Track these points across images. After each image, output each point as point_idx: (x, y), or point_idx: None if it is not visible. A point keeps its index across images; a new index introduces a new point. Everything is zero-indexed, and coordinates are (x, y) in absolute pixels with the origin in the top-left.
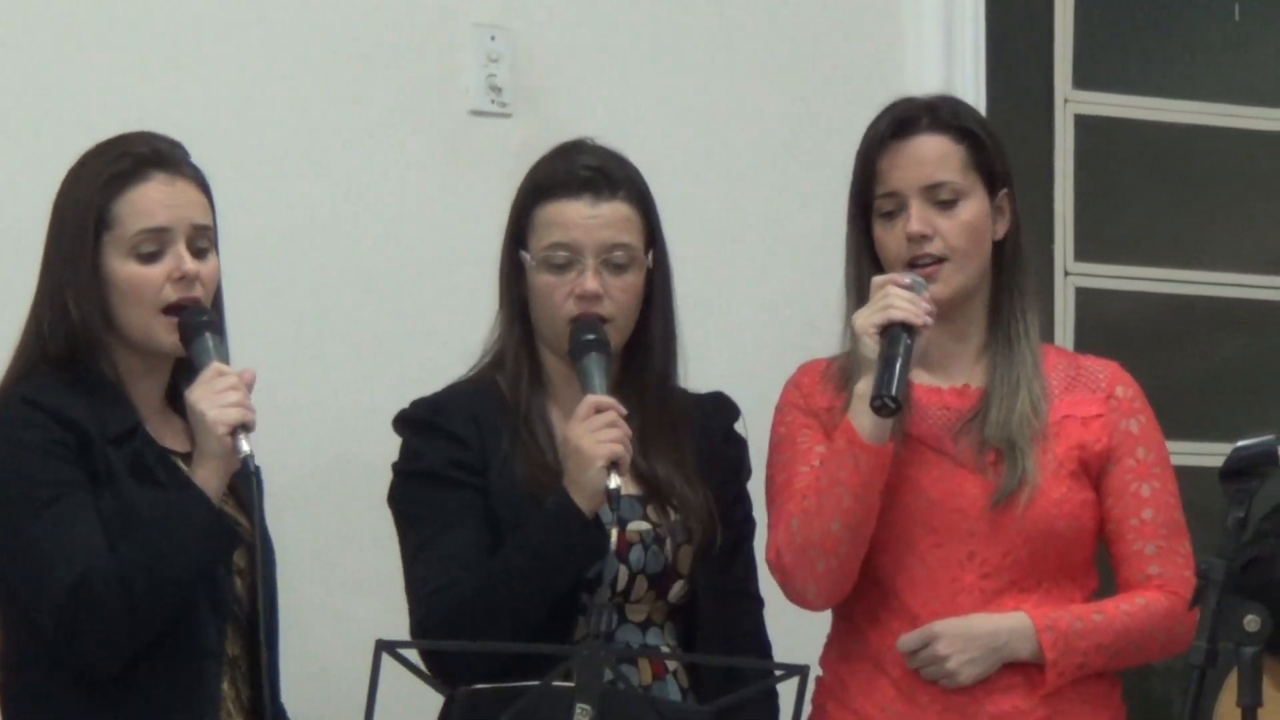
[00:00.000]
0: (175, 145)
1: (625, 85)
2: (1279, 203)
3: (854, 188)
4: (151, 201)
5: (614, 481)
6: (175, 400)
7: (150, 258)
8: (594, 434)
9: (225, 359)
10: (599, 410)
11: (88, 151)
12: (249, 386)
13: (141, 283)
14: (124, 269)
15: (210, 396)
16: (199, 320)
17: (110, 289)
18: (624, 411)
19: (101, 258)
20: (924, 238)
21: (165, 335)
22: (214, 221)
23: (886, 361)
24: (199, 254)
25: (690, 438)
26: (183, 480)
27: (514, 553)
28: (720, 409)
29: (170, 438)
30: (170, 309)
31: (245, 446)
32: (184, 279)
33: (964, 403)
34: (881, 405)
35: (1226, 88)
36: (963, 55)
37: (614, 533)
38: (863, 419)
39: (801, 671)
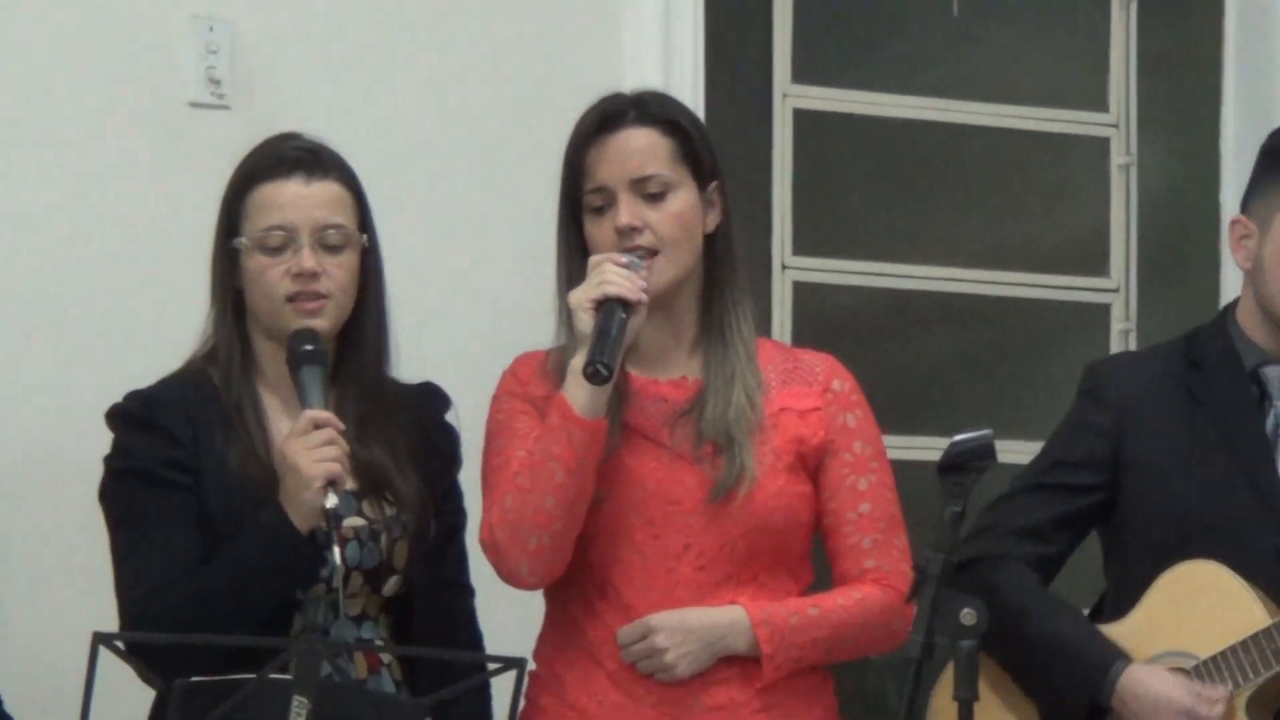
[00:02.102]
0: None
1: (344, 78)
2: (995, 197)
3: (564, 184)
4: None
5: (331, 501)
6: None
7: None
8: (311, 452)
9: None
10: (317, 426)
11: None
12: None
13: None
14: None
15: None
16: None
17: None
18: (341, 426)
19: None
20: (634, 230)
21: None
22: None
23: (601, 333)
24: None
25: (403, 428)
26: None
27: (227, 566)
28: (431, 399)
29: None
30: None
31: None
32: None
33: (680, 395)
34: (594, 372)
35: (945, 83)
36: (681, 50)
37: (336, 552)
38: (576, 393)
39: (519, 665)
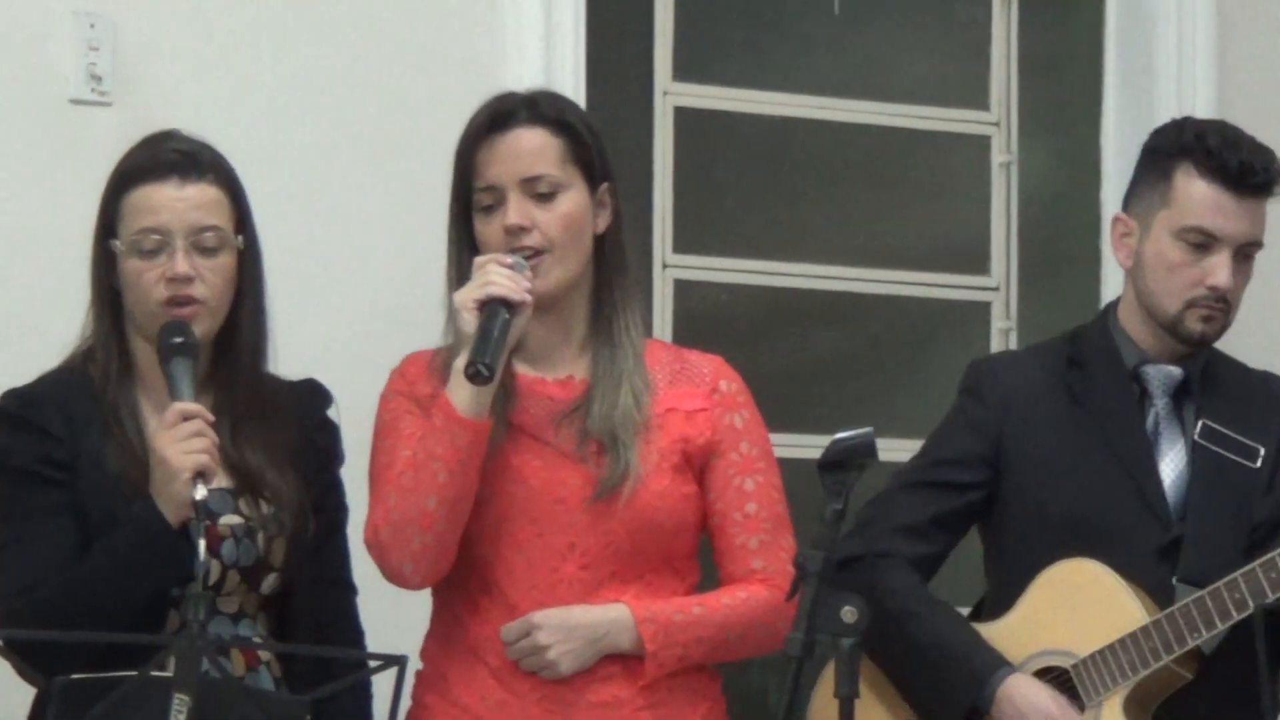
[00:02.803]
0: None
1: (226, 75)
2: (876, 195)
3: (454, 182)
4: None
5: (200, 493)
6: None
7: None
8: (180, 444)
9: None
10: (186, 418)
11: None
12: None
13: None
14: None
15: None
16: None
17: None
18: (211, 419)
19: None
20: (522, 230)
21: None
22: None
23: (484, 333)
24: None
25: (282, 425)
26: None
27: (99, 560)
28: (313, 396)
29: None
30: None
31: None
32: None
33: (567, 394)
34: (476, 372)
35: (827, 81)
36: (563, 46)
37: (202, 545)
38: (459, 393)
39: (400, 662)
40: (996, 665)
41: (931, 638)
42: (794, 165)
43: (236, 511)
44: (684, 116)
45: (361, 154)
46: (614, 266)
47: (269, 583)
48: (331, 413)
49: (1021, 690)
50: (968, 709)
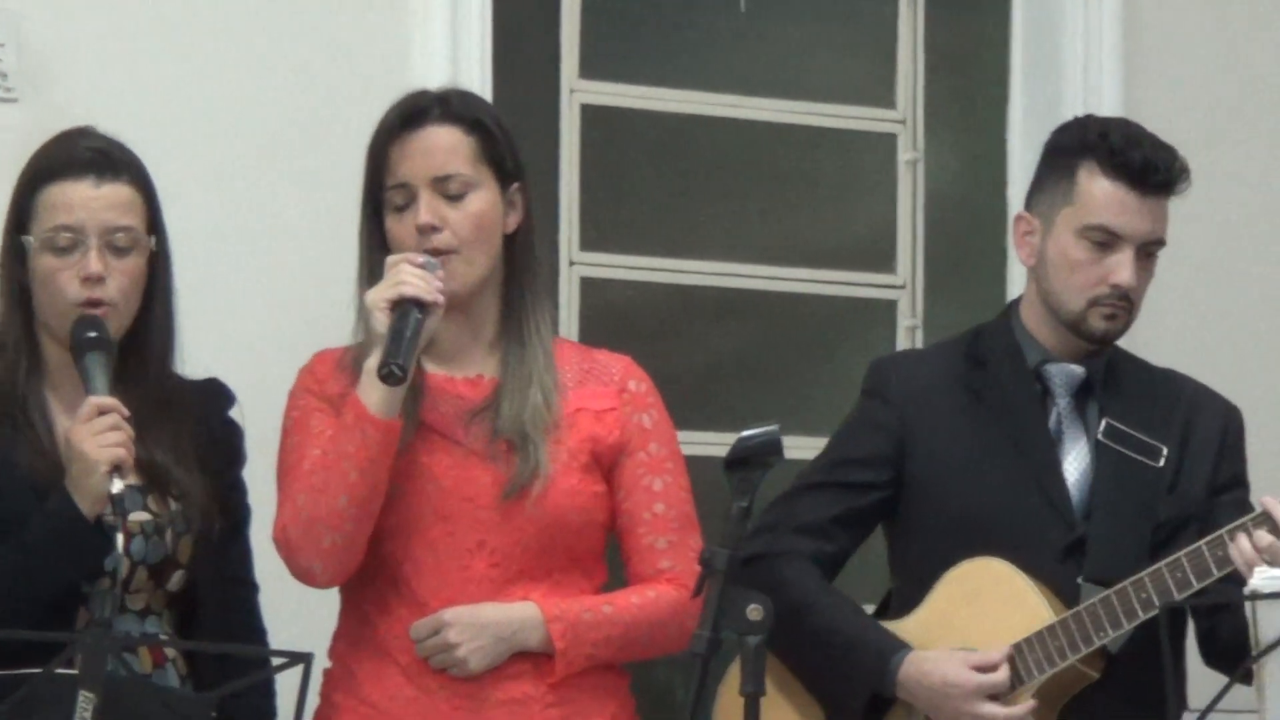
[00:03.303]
0: None
1: (134, 72)
2: (782, 193)
3: (366, 180)
4: None
5: (117, 486)
6: None
7: None
8: (97, 437)
9: None
10: (102, 412)
11: None
12: None
13: None
14: None
15: None
16: None
17: None
18: (126, 413)
19: None
20: (433, 229)
21: None
22: None
23: (395, 333)
24: None
25: (188, 424)
26: None
27: (12, 552)
28: (215, 396)
29: None
30: None
31: None
32: None
33: (477, 393)
34: (389, 373)
35: (733, 78)
36: (469, 42)
37: (120, 538)
38: (370, 393)
39: (305, 659)
40: (895, 648)
41: (830, 627)
42: (701, 163)
43: (145, 508)
44: (590, 114)
45: (269, 151)
46: (524, 266)
47: (176, 580)
48: (234, 413)
49: (923, 668)
50: (870, 695)
